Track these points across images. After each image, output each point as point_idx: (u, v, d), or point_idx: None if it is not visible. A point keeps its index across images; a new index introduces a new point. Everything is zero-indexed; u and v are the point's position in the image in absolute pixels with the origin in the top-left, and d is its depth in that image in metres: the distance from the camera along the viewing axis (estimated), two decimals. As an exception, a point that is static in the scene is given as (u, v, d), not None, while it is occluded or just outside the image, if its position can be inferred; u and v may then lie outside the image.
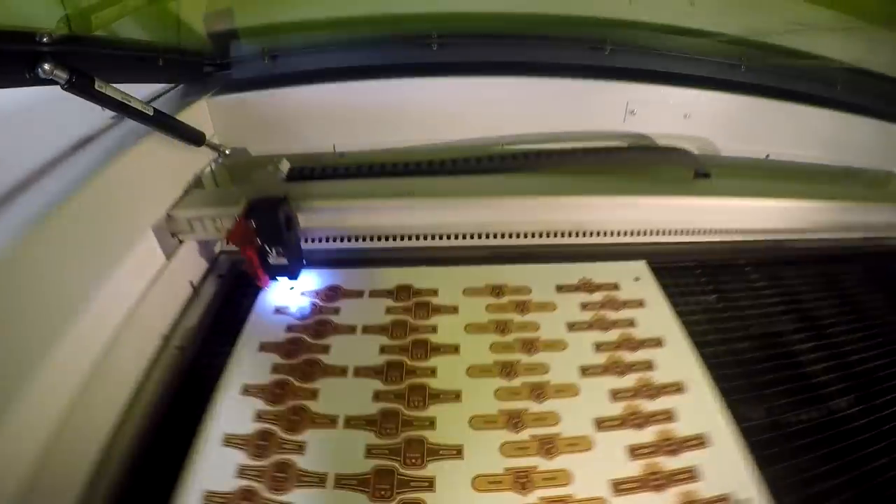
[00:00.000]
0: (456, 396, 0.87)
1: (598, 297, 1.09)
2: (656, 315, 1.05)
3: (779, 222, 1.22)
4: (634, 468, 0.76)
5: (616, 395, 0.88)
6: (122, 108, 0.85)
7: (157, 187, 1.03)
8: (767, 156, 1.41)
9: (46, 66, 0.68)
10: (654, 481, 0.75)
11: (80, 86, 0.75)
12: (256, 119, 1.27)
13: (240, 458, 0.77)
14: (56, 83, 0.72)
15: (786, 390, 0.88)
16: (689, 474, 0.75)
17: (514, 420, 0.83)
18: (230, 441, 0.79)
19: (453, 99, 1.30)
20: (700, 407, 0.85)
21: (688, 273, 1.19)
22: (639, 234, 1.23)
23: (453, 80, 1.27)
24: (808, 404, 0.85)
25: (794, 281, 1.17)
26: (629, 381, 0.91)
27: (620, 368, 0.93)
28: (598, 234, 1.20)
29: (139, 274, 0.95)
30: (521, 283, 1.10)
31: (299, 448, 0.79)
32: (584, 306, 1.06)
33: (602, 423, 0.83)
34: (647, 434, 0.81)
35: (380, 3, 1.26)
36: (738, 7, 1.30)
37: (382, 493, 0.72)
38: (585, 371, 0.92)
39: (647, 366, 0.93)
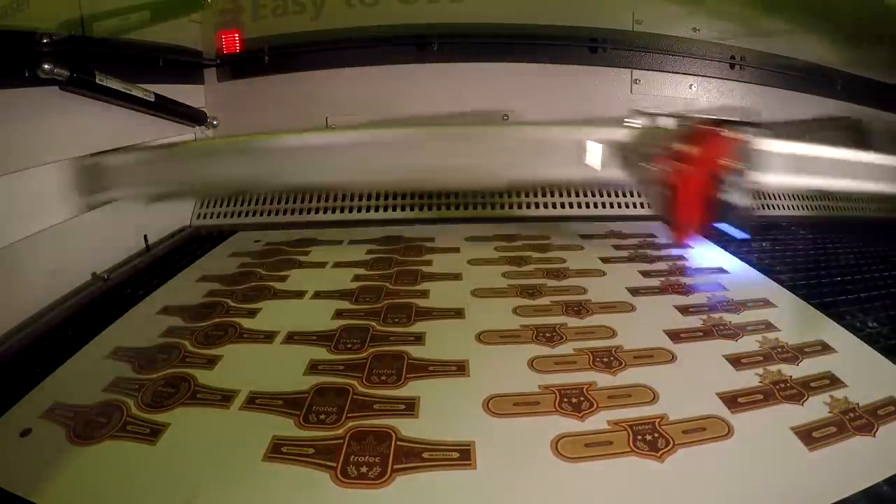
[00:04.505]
0: (456, 314, 0.57)
1: (632, 241, 0.83)
2: (708, 252, 0.78)
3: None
4: (748, 378, 0.44)
5: (686, 310, 0.58)
6: (125, 98, 0.78)
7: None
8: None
9: (46, 66, 0.62)
10: (784, 391, 0.43)
11: (81, 82, 0.68)
12: (254, 101, 1.17)
13: (122, 370, 0.47)
14: (56, 83, 0.66)
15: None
16: (827, 380, 0.45)
17: (547, 334, 0.52)
18: (116, 354, 0.50)
19: (456, 84, 1.20)
20: (802, 317, 0.57)
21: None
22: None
23: (452, 66, 1.19)
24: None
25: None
26: (697, 298, 0.61)
27: (682, 289, 0.64)
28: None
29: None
30: (537, 233, 0.85)
31: (208, 363, 0.47)
32: (618, 248, 0.80)
33: (679, 335, 0.52)
34: (747, 343, 0.51)
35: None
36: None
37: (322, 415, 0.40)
38: (636, 291, 0.62)
39: (716, 285, 0.64)
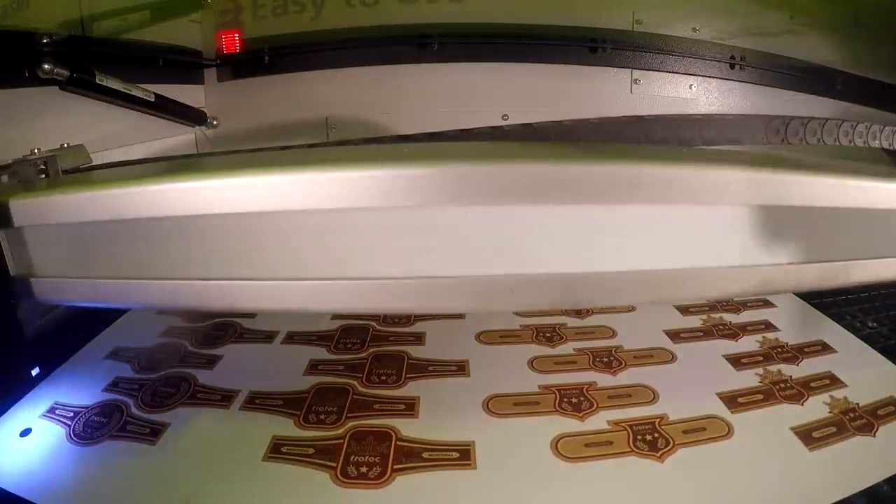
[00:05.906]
0: (456, 314, 0.57)
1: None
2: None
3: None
4: (748, 378, 0.45)
5: (686, 310, 0.58)
6: (125, 98, 0.78)
7: None
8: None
9: (46, 66, 0.61)
10: (784, 391, 0.43)
11: (81, 82, 0.68)
12: (254, 101, 1.17)
13: (122, 370, 0.47)
14: (56, 83, 0.65)
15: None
16: (827, 380, 0.45)
17: (547, 334, 0.52)
18: (116, 354, 0.50)
19: (456, 84, 1.20)
20: (802, 317, 0.58)
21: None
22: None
23: (452, 66, 1.20)
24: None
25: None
26: (700, 299, 0.61)
27: (684, 289, 0.64)
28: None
29: None
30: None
31: (208, 363, 0.47)
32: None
33: (679, 335, 0.52)
34: (747, 343, 0.51)
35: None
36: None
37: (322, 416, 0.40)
38: (636, 291, 0.63)
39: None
